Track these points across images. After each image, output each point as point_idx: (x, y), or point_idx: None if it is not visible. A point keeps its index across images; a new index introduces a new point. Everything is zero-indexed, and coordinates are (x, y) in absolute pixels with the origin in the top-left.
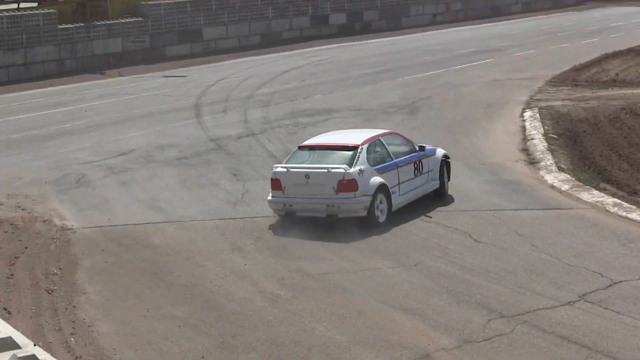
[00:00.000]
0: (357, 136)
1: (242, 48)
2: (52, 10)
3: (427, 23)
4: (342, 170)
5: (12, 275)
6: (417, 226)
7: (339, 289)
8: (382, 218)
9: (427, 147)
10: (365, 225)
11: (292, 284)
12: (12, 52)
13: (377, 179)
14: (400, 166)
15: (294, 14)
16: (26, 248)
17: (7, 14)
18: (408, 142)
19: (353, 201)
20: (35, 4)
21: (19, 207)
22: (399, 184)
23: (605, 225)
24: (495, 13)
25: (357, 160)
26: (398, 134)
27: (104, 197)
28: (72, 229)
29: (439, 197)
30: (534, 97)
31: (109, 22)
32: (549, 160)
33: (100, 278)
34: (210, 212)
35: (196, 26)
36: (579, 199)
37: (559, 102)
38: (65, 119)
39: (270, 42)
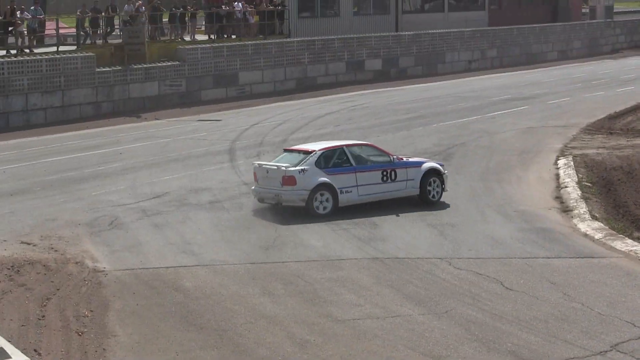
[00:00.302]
0: (321, 145)
1: (278, 93)
2: (90, 54)
3: (463, 70)
4: (284, 169)
5: (44, 316)
6: (448, 272)
7: (369, 335)
8: (323, 211)
9: (412, 159)
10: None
11: (322, 330)
12: (50, 95)
13: (319, 179)
14: (360, 171)
15: (330, 60)
16: (58, 289)
17: (47, 57)
18: (383, 153)
19: (291, 193)
20: (74, 47)
21: (52, 248)
22: (357, 185)
23: (638, 275)
24: (530, 60)
25: (304, 162)
26: (372, 146)
27: (136, 240)
28: (103, 271)
29: (425, 203)
30: (568, 145)
31: (146, 65)
32: (582, 208)
33: (131, 321)
34: (242, 256)
35: (232, 70)
36: (612, 248)
37: (594, 150)
38: (100, 161)
39: (306, 87)
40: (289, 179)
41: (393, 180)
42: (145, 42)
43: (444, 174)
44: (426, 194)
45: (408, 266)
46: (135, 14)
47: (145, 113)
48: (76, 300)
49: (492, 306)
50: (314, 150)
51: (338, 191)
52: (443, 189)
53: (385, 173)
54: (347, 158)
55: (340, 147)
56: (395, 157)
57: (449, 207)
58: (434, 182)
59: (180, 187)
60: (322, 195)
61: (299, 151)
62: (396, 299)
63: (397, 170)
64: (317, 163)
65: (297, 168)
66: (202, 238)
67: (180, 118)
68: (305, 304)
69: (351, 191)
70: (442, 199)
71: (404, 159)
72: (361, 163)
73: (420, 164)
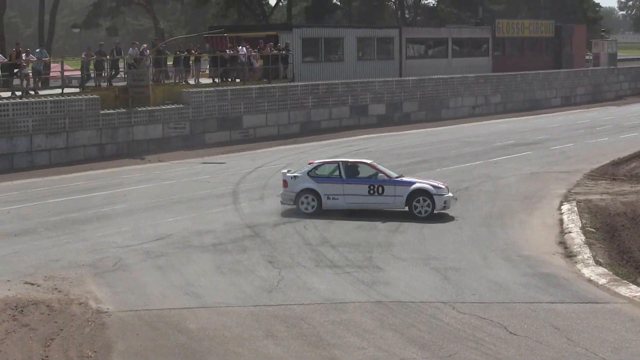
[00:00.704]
0: (321, 159)
1: (281, 136)
2: (95, 96)
3: (466, 115)
4: (283, 173)
5: (47, 357)
6: (452, 317)
7: None
8: (307, 210)
9: (407, 179)
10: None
11: None
12: (55, 136)
13: (305, 184)
14: (348, 183)
15: (334, 104)
16: (61, 330)
17: (51, 98)
18: (378, 172)
19: (284, 194)
20: (78, 89)
21: (56, 289)
22: (344, 194)
23: None
24: (534, 106)
25: (299, 171)
26: (370, 165)
27: (139, 281)
28: (107, 312)
29: (411, 217)
30: (572, 191)
31: (150, 108)
32: (586, 253)
33: None
34: (245, 299)
35: (236, 114)
36: (616, 293)
37: (597, 196)
38: (104, 202)
39: (310, 130)
40: (284, 182)
41: (380, 194)
42: (149, 85)
43: (439, 195)
44: (412, 210)
45: (412, 310)
46: (139, 57)
47: (149, 155)
48: (80, 341)
49: (496, 351)
50: (313, 162)
51: (323, 197)
52: (433, 209)
53: (372, 187)
54: (339, 171)
55: (336, 162)
56: (395, 176)
57: (455, 252)
58: (424, 200)
59: (184, 229)
60: (306, 197)
61: (310, 163)
62: (400, 343)
63: (385, 187)
64: (310, 172)
65: (291, 175)
66: (205, 280)
67: (184, 160)
68: (309, 347)
69: (338, 198)
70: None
71: (403, 178)
72: (351, 176)
73: (411, 183)
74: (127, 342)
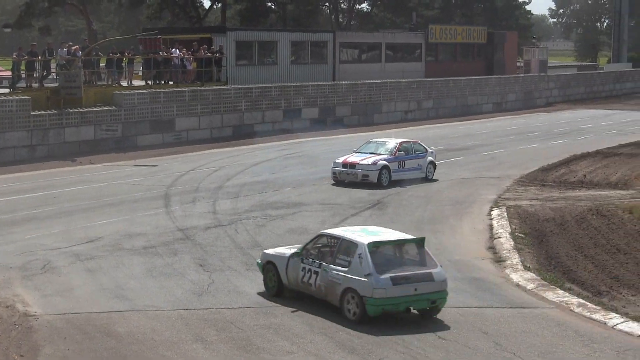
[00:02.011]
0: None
1: (214, 139)
2: (25, 97)
3: (399, 120)
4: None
5: None
6: (382, 320)
7: None
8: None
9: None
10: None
11: None
12: None
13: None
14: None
15: (267, 107)
16: None
17: None
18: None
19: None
20: (8, 90)
21: None
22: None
23: (569, 325)
24: (466, 112)
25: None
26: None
27: (68, 284)
28: (34, 315)
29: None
30: (502, 196)
31: (82, 109)
32: (515, 259)
33: None
34: (175, 302)
35: (169, 116)
36: (544, 298)
37: (527, 202)
38: (34, 204)
39: (243, 134)
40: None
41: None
42: (81, 86)
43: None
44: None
45: (341, 314)
46: (71, 58)
47: (81, 157)
48: (6, 345)
49: (425, 355)
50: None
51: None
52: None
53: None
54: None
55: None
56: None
57: None
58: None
59: (115, 232)
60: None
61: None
62: (329, 347)
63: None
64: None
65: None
66: (135, 283)
67: (116, 163)
68: (238, 350)
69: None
70: None
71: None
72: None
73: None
74: (54, 346)
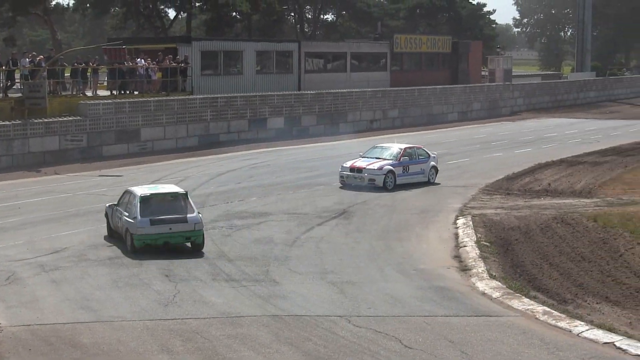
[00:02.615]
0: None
1: (180, 149)
2: None
3: (364, 129)
4: None
5: None
6: (347, 330)
7: None
8: (390, 186)
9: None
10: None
11: None
12: None
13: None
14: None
15: (233, 117)
16: None
17: None
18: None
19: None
20: None
21: None
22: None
23: (534, 333)
24: (431, 121)
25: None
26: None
27: (33, 295)
28: None
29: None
30: (468, 205)
31: (47, 120)
32: (480, 267)
33: None
34: (141, 313)
35: (134, 126)
36: (509, 307)
37: (492, 210)
38: None
39: (208, 144)
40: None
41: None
42: (46, 96)
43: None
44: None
45: (307, 324)
46: (35, 69)
47: (46, 168)
48: None
49: None
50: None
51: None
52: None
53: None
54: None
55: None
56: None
57: (352, 266)
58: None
59: (80, 243)
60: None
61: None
62: (295, 357)
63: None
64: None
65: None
66: (100, 294)
67: (81, 173)
68: None
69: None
70: None
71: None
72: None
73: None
74: (19, 358)
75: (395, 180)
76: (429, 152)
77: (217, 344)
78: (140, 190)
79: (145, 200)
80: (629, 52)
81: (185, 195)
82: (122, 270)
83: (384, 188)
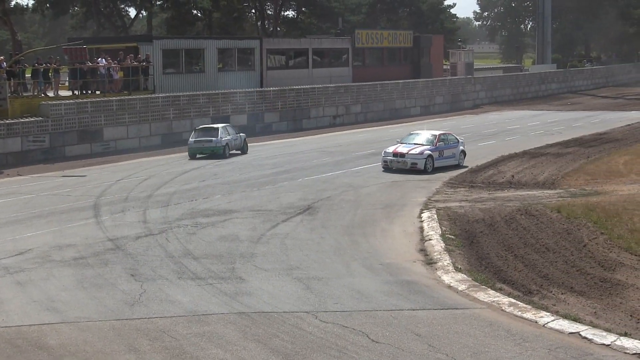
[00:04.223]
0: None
1: (143, 148)
2: None
3: (327, 125)
4: None
5: None
6: (314, 326)
7: None
8: (430, 169)
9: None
10: None
11: None
12: None
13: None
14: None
15: (195, 115)
16: None
17: None
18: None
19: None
20: None
21: None
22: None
23: (500, 325)
24: (394, 116)
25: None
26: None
27: None
28: None
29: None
30: (432, 199)
31: (8, 121)
32: (446, 260)
33: None
34: (107, 313)
35: (97, 126)
36: (475, 299)
37: (456, 203)
38: None
39: (171, 142)
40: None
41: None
42: (7, 97)
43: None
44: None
45: (274, 320)
46: None
47: (8, 169)
48: None
49: (358, 359)
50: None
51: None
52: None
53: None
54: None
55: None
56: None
57: (317, 262)
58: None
59: (44, 244)
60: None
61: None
62: (262, 353)
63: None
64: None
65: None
66: (66, 295)
67: (44, 174)
68: (172, 359)
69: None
70: None
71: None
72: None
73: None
74: None
75: (433, 164)
76: (457, 138)
77: (184, 342)
78: None
79: None
80: (588, 43)
81: None
82: (87, 270)
83: (424, 171)
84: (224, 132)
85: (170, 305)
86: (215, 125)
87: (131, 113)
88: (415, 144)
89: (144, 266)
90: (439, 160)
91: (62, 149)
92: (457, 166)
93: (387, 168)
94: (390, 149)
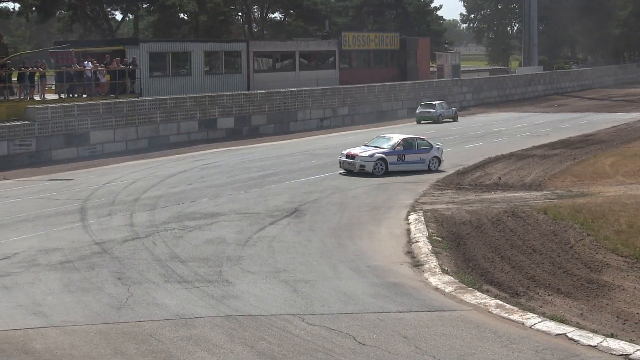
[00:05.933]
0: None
1: (130, 152)
2: None
3: (315, 128)
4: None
5: None
6: (301, 329)
7: None
8: (379, 172)
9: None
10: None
11: None
12: None
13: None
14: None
15: (182, 118)
16: None
17: None
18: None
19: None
20: None
21: None
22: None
23: (487, 327)
24: (381, 118)
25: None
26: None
27: None
28: None
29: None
30: (419, 201)
31: None
32: (433, 262)
33: None
34: (94, 317)
35: (83, 130)
36: (462, 301)
37: (443, 205)
38: None
39: (158, 145)
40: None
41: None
42: None
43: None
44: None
45: (261, 323)
46: None
47: None
48: None
49: None
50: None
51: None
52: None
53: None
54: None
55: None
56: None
57: (304, 265)
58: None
59: (30, 248)
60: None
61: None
62: (249, 357)
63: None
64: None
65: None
66: (52, 299)
67: (31, 178)
68: None
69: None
70: None
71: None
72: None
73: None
74: None
75: (386, 168)
76: (431, 143)
77: (170, 346)
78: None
79: None
80: (574, 45)
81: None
82: (73, 274)
83: (372, 174)
84: (439, 107)
85: (157, 308)
86: (433, 102)
87: (118, 116)
88: (375, 146)
89: (130, 270)
90: (398, 165)
91: (48, 152)
92: (429, 171)
93: (342, 169)
94: (346, 151)
